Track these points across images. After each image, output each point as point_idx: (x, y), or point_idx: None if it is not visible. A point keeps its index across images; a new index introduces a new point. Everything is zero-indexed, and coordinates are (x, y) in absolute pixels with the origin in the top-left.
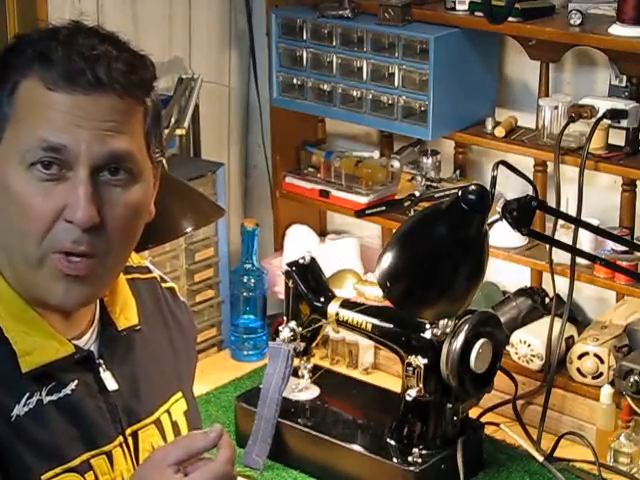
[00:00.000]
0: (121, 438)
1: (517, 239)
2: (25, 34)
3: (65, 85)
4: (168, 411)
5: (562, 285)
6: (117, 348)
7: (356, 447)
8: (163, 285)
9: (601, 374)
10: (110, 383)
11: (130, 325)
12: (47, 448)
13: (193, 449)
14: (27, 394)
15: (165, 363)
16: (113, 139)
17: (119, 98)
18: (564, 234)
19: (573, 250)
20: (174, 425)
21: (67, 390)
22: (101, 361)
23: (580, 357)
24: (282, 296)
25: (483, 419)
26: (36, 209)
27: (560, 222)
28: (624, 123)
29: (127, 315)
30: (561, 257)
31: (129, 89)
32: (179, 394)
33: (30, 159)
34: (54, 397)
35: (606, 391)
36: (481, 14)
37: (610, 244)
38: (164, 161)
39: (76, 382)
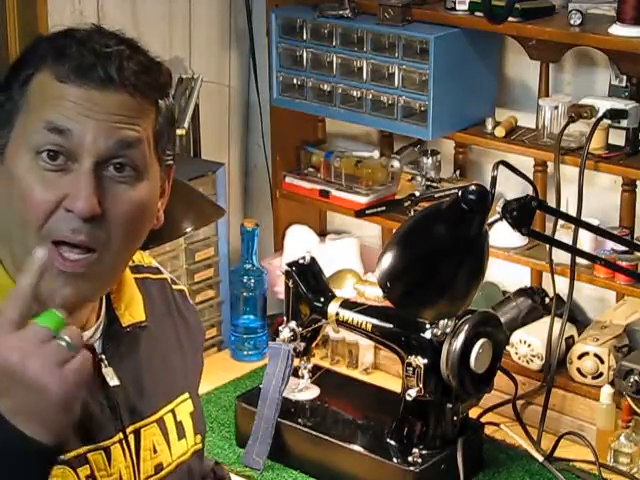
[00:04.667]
0: (121, 435)
1: (517, 239)
2: (45, 34)
3: (76, 79)
4: (173, 411)
5: (562, 285)
6: (121, 344)
7: (356, 447)
8: (174, 287)
9: (601, 374)
10: (112, 379)
11: (135, 322)
12: None
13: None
14: None
15: (172, 363)
16: (121, 131)
17: (130, 96)
18: (564, 234)
19: (573, 250)
20: (178, 425)
21: None
22: (103, 357)
23: (580, 357)
24: (282, 296)
25: (483, 419)
26: (37, 197)
27: (560, 222)
28: (624, 123)
29: (132, 312)
30: (561, 257)
31: (141, 88)
32: (186, 395)
33: (36, 141)
34: None
35: (606, 391)
36: (481, 14)
37: (610, 244)
38: None
39: None
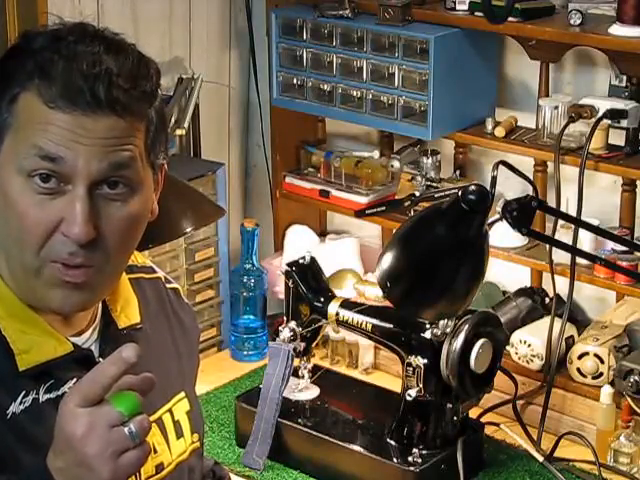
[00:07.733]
0: None
1: (517, 239)
2: (30, 36)
3: (64, 104)
4: (170, 410)
5: (562, 285)
6: (118, 347)
7: (356, 447)
8: (168, 286)
9: (601, 374)
10: None
11: (131, 324)
12: (43, 446)
13: (99, 378)
14: (23, 392)
15: (168, 363)
16: (113, 153)
17: (120, 117)
18: (564, 234)
19: (573, 250)
20: (176, 425)
21: (65, 388)
22: (101, 359)
23: (580, 357)
24: (282, 296)
25: (483, 419)
26: (33, 220)
27: (560, 222)
28: (624, 123)
29: (128, 314)
30: (561, 257)
31: (129, 107)
32: (182, 394)
33: (27, 167)
34: (52, 395)
35: (606, 391)
36: (481, 14)
37: (610, 244)
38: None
39: (75, 380)
